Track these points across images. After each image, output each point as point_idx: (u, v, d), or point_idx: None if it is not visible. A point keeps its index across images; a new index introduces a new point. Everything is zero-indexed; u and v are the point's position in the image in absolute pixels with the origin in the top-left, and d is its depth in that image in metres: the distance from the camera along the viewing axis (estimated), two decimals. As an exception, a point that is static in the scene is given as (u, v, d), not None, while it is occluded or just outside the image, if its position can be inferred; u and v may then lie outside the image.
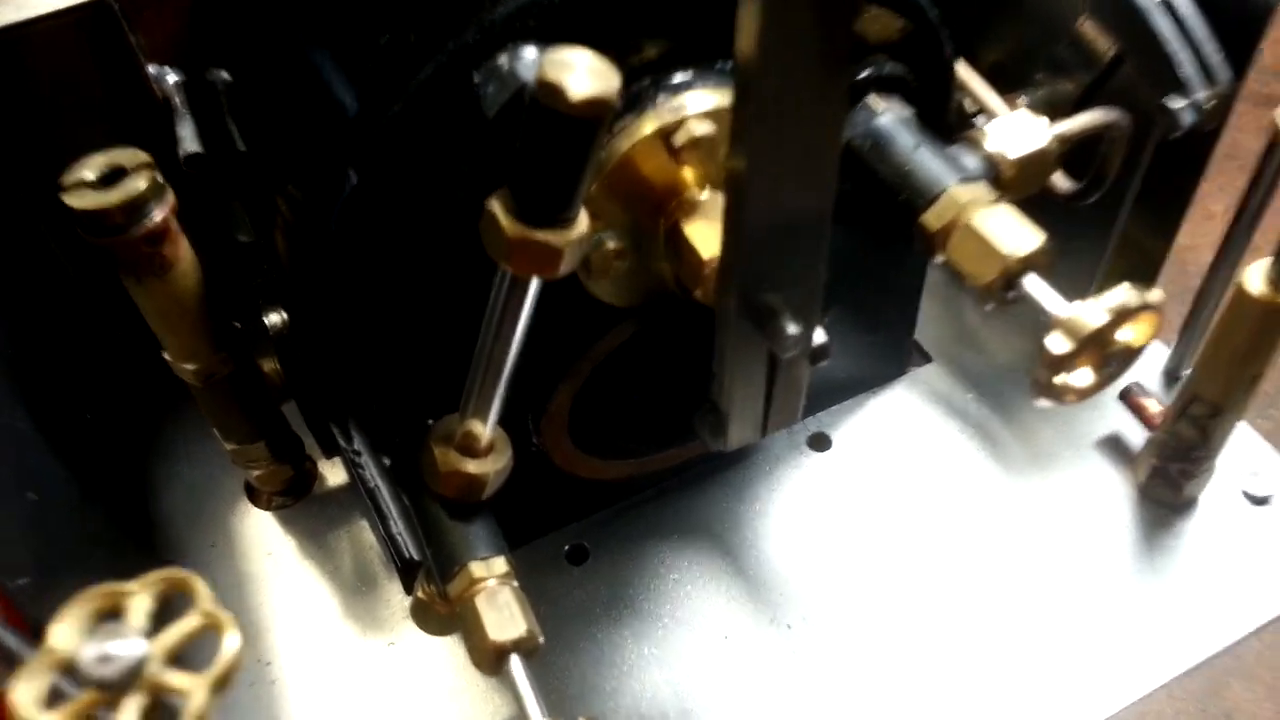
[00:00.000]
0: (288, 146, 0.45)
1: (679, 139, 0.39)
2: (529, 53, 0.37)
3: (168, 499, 0.62)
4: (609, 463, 0.56)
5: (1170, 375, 0.65)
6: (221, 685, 0.28)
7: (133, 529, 0.61)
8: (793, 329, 0.38)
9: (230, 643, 0.29)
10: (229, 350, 0.53)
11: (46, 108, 0.51)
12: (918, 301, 0.62)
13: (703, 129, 0.39)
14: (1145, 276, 0.61)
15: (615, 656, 0.55)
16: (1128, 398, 0.62)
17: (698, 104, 0.40)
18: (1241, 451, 0.61)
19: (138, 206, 0.46)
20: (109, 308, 0.57)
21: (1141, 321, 0.38)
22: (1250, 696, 0.54)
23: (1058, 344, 0.37)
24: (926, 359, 0.68)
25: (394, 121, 0.38)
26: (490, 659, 0.41)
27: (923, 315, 0.65)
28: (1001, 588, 0.57)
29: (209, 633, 0.32)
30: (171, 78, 0.53)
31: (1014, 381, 0.66)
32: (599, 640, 0.56)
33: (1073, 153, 0.47)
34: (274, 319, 0.53)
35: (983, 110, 0.53)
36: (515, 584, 0.43)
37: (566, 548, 0.60)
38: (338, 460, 0.62)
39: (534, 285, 0.38)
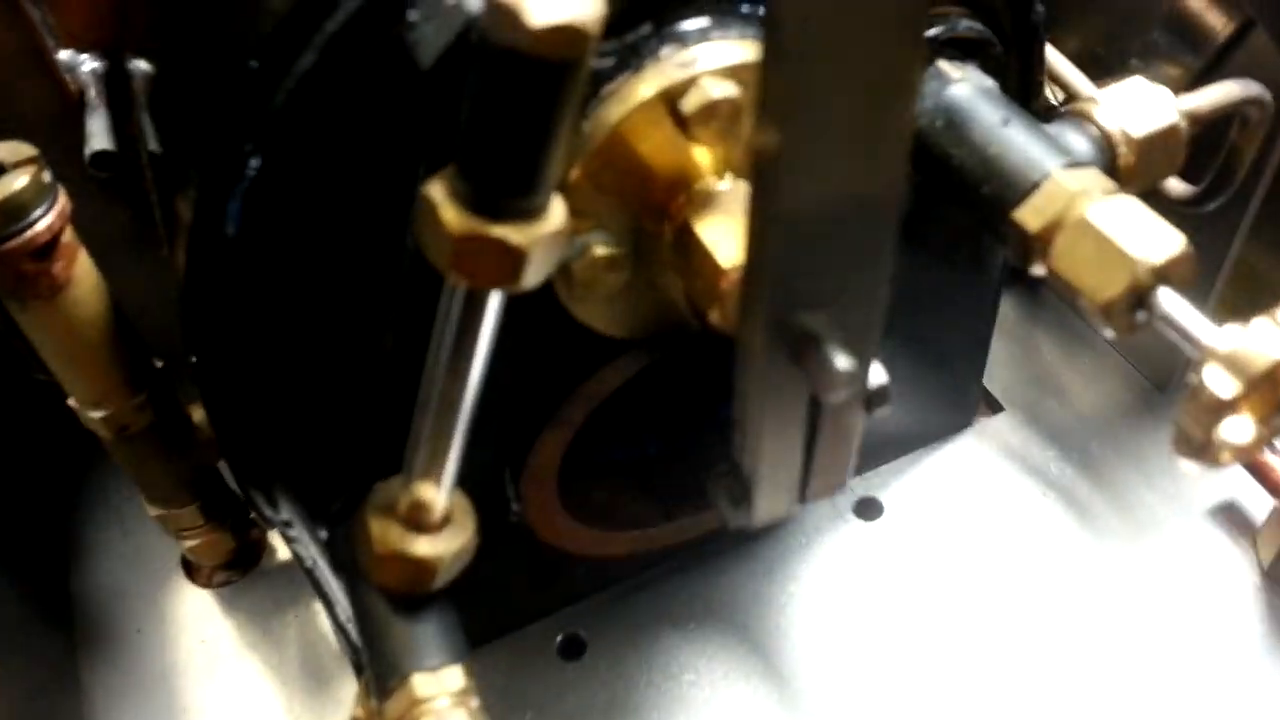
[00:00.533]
0: (193, 140, 0.36)
1: (690, 105, 0.29)
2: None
3: (90, 572, 0.52)
4: (608, 535, 0.46)
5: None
6: None
7: (53, 605, 0.51)
8: (842, 362, 0.28)
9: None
10: (148, 394, 0.43)
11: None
12: (989, 337, 0.52)
13: (722, 91, 0.29)
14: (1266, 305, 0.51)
15: (617, 780, 0.44)
16: (1251, 460, 0.51)
17: (715, 58, 0.30)
18: (1395, 524, 0.49)
19: (15, 211, 0.36)
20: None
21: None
22: None
23: (1220, 383, 0.27)
24: (997, 408, 0.57)
25: (303, 82, 0.28)
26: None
27: (991, 356, 0.54)
28: (1091, 687, 0.46)
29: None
30: (89, 66, 0.44)
31: (1103, 435, 0.55)
32: (597, 758, 0.45)
33: (1200, 139, 0.37)
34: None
35: (1072, 99, 0.43)
36: (475, 703, 0.33)
37: (559, 639, 0.49)
38: (291, 527, 0.52)
39: (494, 302, 0.28)
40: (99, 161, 0.42)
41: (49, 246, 0.38)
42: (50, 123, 0.44)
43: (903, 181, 0.26)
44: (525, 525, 0.43)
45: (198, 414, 0.47)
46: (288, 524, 0.39)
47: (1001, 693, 0.46)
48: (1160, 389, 0.57)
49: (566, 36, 0.23)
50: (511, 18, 0.23)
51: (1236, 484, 0.52)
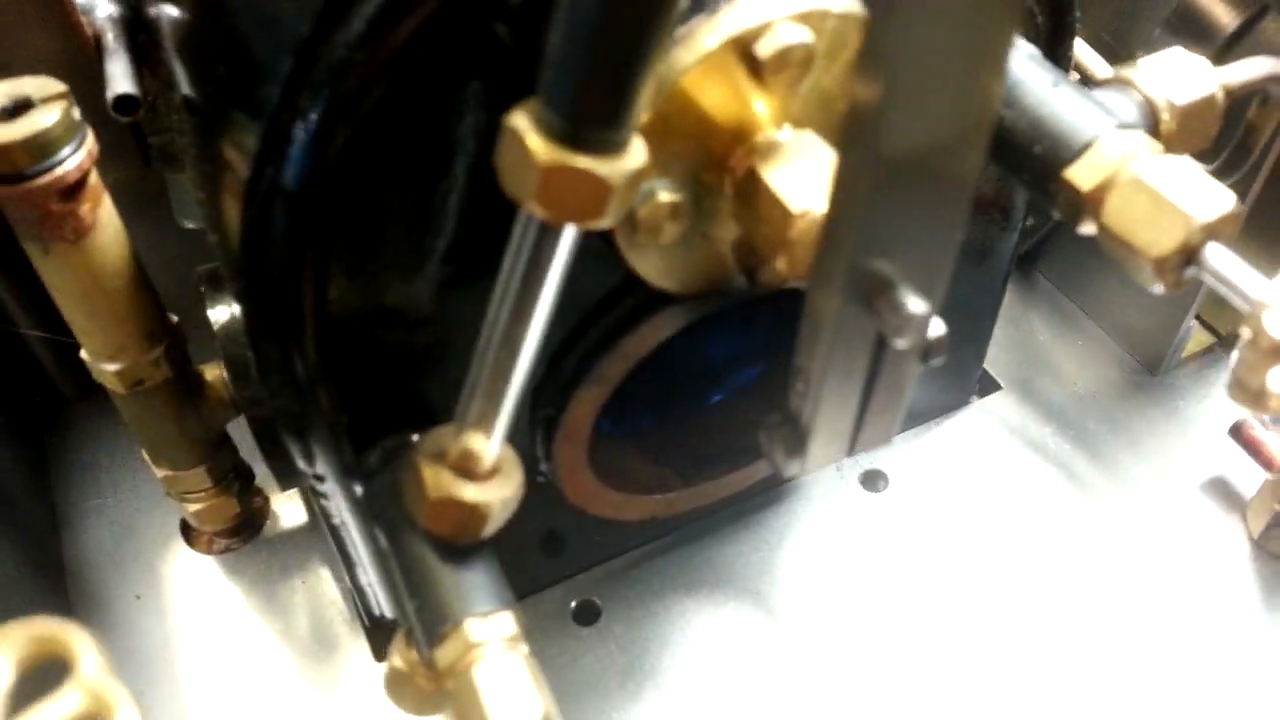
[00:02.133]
0: (233, 76, 0.35)
1: (765, 49, 0.29)
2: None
3: (85, 537, 0.51)
4: (629, 499, 0.46)
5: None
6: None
7: (44, 572, 0.50)
8: (915, 306, 0.28)
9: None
10: (165, 348, 0.42)
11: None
12: (994, 322, 0.53)
13: (797, 36, 0.30)
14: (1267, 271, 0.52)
15: (635, 741, 0.44)
16: (1240, 433, 0.52)
17: (787, 3, 0.30)
18: (1376, 498, 0.52)
19: (45, 147, 0.35)
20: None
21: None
22: None
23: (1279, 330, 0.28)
24: (995, 386, 0.58)
25: (377, 19, 0.28)
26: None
27: (991, 335, 0.56)
28: (1090, 652, 0.48)
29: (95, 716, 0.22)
30: (106, 10, 0.43)
31: (1097, 413, 0.57)
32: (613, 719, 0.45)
33: (1229, 118, 0.38)
34: (220, 313, 0.43)
35: (1088, 82, 0.44)
36: (526, 649, 0.32)
37: (573, 604, 0.49)
38: (295, 494, 0.51)
39: (568, 239, 0.28)
40: (122, 106, 0.41)
41: (77, 186, 0.37)
42: (64, 67, 0.43)
43: (989, 134, 0.27)
44: (553, 486, 0.43)
45: (210, 373, 0.46)
46: (319, 479, 0.39)
47: (1002, 658, 0.47)
48: (1151, 372, 0.58)
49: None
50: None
51: (1225, 459, 0.54)
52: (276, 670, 0.47)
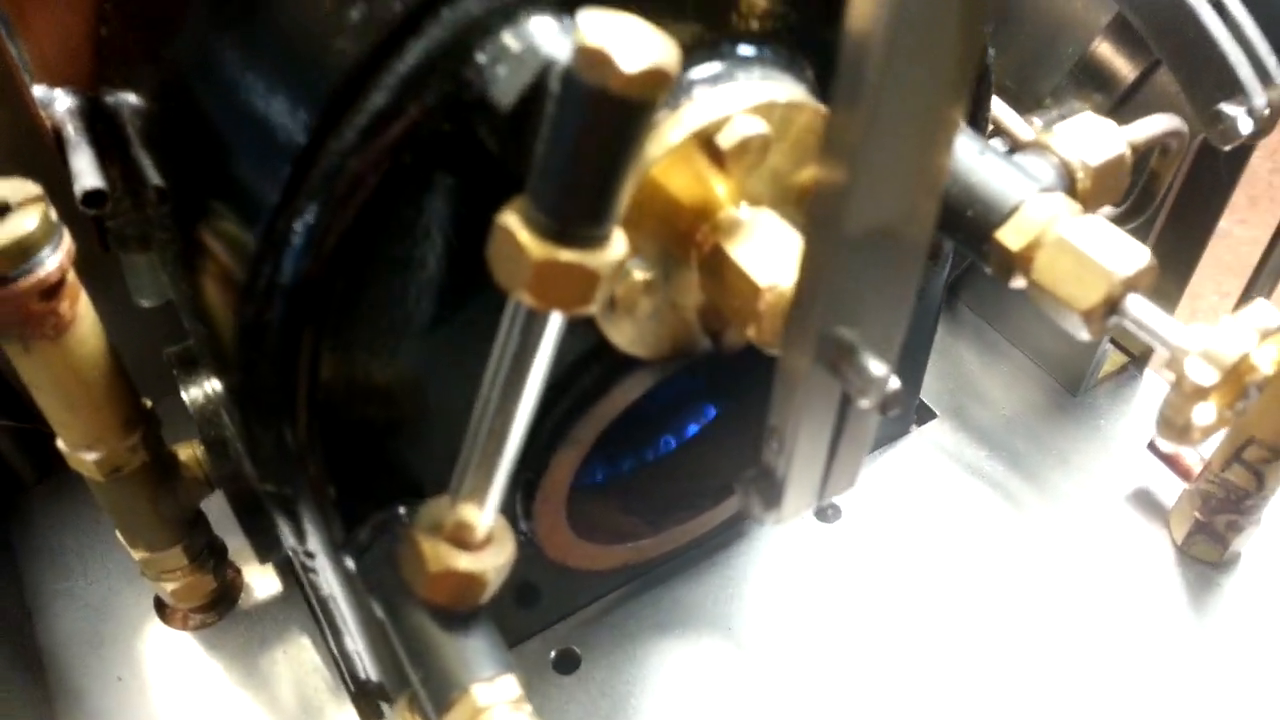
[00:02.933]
0: (219, 175, 0.36)
1: (727, 140, 0.32)
2: (543, 24, 0.30)
3: (59, 623, 0.51)
4: (605, 549, 0.48)
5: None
6: None
7: (21, 662, 0.49)
8: (876, 368, 0.31)
9: None
10: (141, 434, 0.43)
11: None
12: (929, 350, 0.56)
13: (754, 127, 0.32)
14: (1164, 302, 0.57)
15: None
16: (1157, 448, 0.57)
17: (743, 97, 0.33)
18: (1283, 498, 0.56)
19: (25, 251, 0.36)
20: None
21: (1274, 342, 0.33)
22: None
23: (1201, 373, 0.31)
24: (931, 415, 0.62)
25: (375, 121, 0.30)
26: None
27: (924, 367, 0.59)
28: (1035, 660, 0.51)
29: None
30: (64, 102, 0.44)
31: (1025, 434, 0.61)
32: (602, 764, 0.47)
33: (1136, 169, 0.42)
34: (195, 394, 0.44)
35: (1000, 132, 0.48)
36: (529, 708, 0.34)
37: (553, 654, 0.50)
38: (269, 565, 0.52)
39: (555, 324, 0.30)
40: (91, 200, 0.41)
41: (58, 285, 0.37)
42: (21, 159, 0.44)
43: (935, 213, 0.30)
44: (532, 543, 0.44)
45: (184, 453, 0.46)
46: (310, 555, 0.40)
47: (957, 670, 0.51)
48: (1072, 393, 0.63)
49: (652, 79, 0.25)
50: (603, 63, 0.25)
51: (1147, 472, 0.58)
52: (263, 741, 0.47)
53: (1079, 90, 0.52)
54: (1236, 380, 0.32)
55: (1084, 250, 0.34)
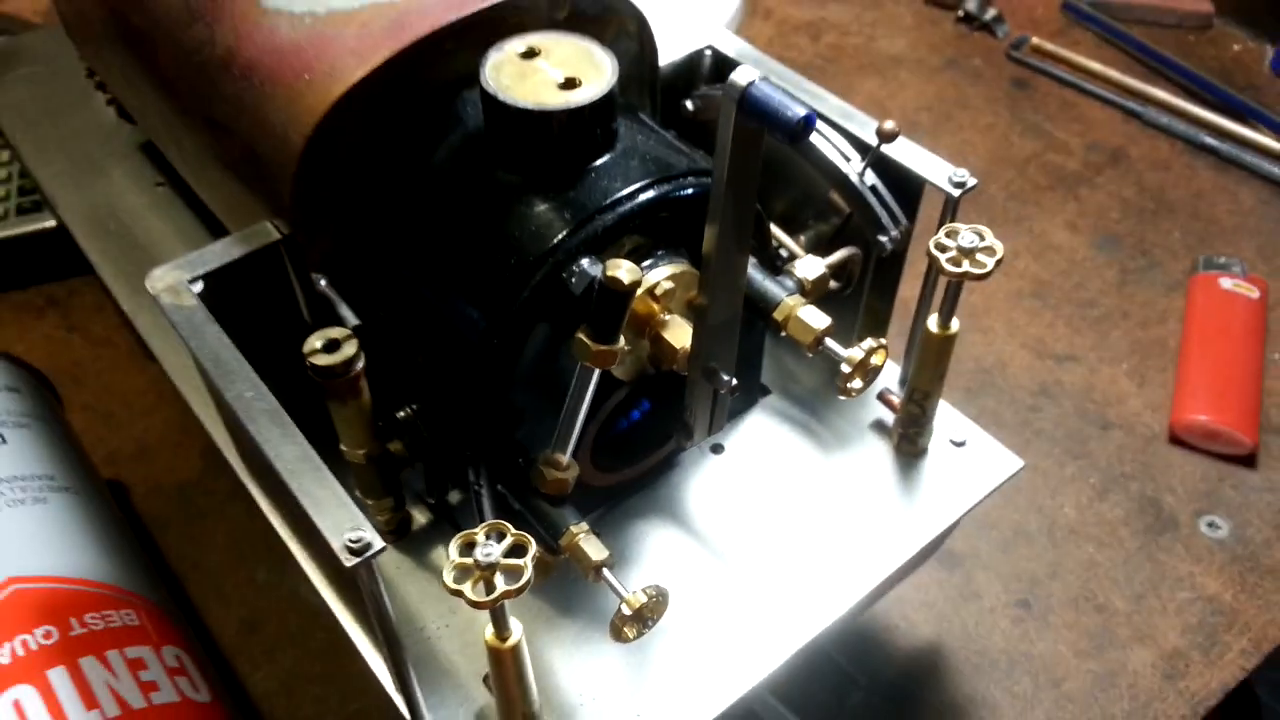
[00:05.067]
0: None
1: (659, 290, 0.79)
2: (588, 261, 0.77)
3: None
4: (606, 475, 0.94)
5: (902, 381, 1.10)
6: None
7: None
8: (727, 378, 0.79)
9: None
10: (379, 439, 0.88)
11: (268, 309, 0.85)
12: (761, 360, 1.05)
13: (669, 284, 0.80)
14: (879, 328, 1.07)
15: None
16: (882, 397, 1.07)
17: (666, 272, 0.80)
18: (944, 417, 1.06)
19: (349, 361, 0.80)
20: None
21: (879, 353, 0.82)
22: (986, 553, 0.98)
23: (847, 367, 0.80)
24: (766, 390, 1.10)
25: (530, 298, 0.76)
26: (593, 574, 0.79)
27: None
28: (816, 513, 0.95)
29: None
30: (322, 280, 0.88)
31: (819, 400, 1.10)
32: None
33: (836, 271, 0.91)
34: (401, 414, 0.89)
35: (782, 246, 0.97)
36: (596, 535, 0.81)
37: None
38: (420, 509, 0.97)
39: (596, 373, 0.77)
40: (357, 332, 0.86)
41: (359, 377, 0.82)
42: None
43: (741, 304, 0.78)
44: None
45: (394, 445, 0.91)
46: (479, 485, 0.85)
47: (780, 530, 0.97)
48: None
49: (633, 284, 0.72)
50: (615, 279, 0.72)
51: (879, 411, 1.07)
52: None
53: (822, 220, 1.01)
54: (864, 368, 0.81)
55: (806, 320, 0.82)
